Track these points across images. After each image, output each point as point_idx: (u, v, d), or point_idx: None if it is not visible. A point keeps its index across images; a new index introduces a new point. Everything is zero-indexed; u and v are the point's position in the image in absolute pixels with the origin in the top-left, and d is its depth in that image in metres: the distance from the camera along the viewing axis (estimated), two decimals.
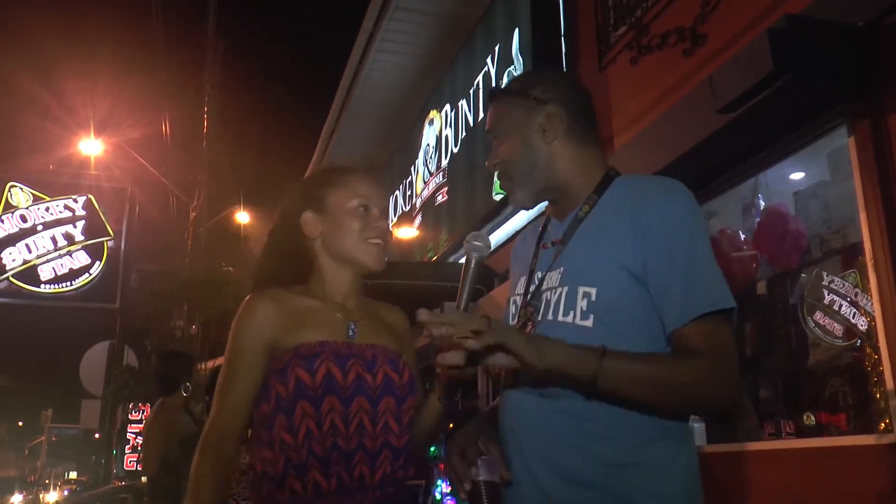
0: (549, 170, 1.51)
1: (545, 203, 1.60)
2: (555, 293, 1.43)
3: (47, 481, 31.88)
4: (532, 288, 1.51)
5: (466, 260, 1.52)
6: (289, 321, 1.61)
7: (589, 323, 1.36)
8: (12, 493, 34.03)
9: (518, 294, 1.57)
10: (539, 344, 1.25)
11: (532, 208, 1.60)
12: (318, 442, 1.53)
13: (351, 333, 1.65)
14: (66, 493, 27.19)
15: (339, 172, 1.78)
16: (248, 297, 1.65)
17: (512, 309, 1.58)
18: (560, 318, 1.40)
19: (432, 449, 6.17)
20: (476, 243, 1.52)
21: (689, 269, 1.34)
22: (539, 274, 1.51)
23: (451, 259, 7.72)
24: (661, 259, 1.35)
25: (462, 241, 1.61)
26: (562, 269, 1.45)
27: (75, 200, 16.14)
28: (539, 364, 1.23)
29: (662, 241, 1.35)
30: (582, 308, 1.37)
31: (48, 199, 16.01)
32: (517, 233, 6.17)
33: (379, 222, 1.70)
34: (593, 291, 1.37)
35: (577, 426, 1.34)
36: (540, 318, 1.45)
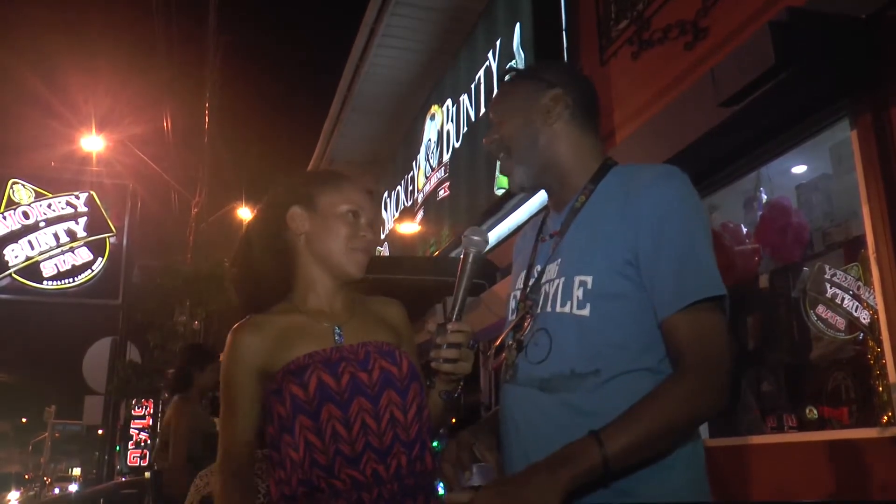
0: (548, 150, 1.51)
1: (546, 198, 1.60)
2: (553, 284, 1.43)
3: (46, 478, 31.83)
4: (531, 281, 1.51)
5: (464, 255, 1.52)
6: (275, 343, 1.60)
7: (586, 312, 1.36)
8: (9, 490, 34.03)
9: (518, 289, 1.57)
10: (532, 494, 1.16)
11: (530, 190, 1.60)
12: (321, 451, 1.52)
13: (338, 339, 1.63)
14: (55, 490, 27.09)
15: (335, 176, 1.77)
16: (232, 329, 1.64)
17: (512, 304, 1.57)
18: (558, 308, 1.40)
19: (435, 444, 6.18)
20: (474, 238, 1.52)
21: (678, 257, 1.32)
22: (538, 267, 1.51)
23: (453, 254, 7.71)
24: (650, 245, 1.34)
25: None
26: (559, 260, 1.45)
27: (77, 197, 16.14)
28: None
29: (652, 226, 1.34)
30: (578, 297, 1.37)
31: (50, 195, 16.01)
32: (519, 227, 6.16)
33: (366, 232, 1.69)
34: (589, 280, 1.37)
35: (577, 419, 1.33)
36: (539, 310, 1.45)
